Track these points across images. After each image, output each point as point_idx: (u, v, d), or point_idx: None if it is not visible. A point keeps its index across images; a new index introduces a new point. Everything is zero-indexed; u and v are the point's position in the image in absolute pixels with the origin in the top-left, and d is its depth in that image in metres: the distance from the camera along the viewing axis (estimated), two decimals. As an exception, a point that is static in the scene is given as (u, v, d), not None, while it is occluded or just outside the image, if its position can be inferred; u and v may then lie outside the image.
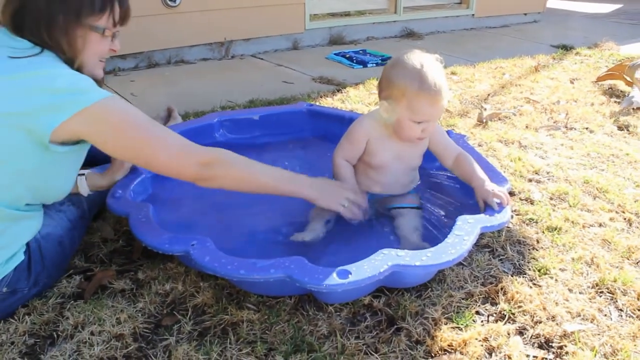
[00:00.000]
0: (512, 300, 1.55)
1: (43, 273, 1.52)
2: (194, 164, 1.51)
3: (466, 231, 1.53)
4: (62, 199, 1.67)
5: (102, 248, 1.79)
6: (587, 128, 2.92)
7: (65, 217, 1.65)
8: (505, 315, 1.50)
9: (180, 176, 1.55)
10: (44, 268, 1.53)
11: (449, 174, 2.09)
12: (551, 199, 2.13)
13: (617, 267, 1.72)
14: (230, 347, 1.37)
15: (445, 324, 1.46)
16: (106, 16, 1.55)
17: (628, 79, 3.59)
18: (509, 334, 1.43)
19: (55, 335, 1.42)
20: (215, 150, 1.57)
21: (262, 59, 4.57)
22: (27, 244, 1.49)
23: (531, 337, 1.43)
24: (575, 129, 2.91)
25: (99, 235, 1.84)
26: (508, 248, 1.79)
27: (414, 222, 1.81)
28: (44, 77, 1.37)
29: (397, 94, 1.70)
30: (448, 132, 2.19)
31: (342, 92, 3.47)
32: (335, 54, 4.58)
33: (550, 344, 1.41)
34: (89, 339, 1.40)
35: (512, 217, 1.96)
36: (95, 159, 2.10)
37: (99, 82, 1.69)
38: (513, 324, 1.47)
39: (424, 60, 1.69)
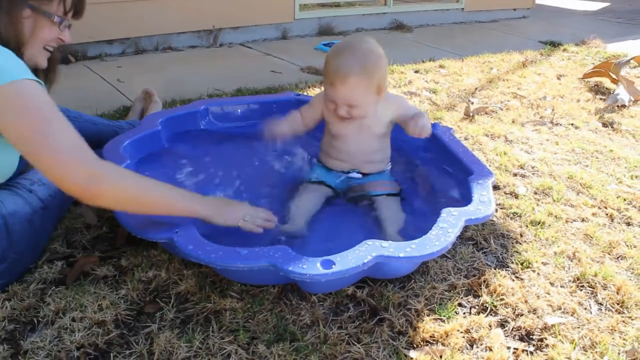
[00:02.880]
0: (495, 292, 1.56)
1: (10, 250, 1.50)
2: (81, 175, 1.32)
3: (450, 223, 1.54)
4: (33, 178, 1.66)
5: (85, 234, 1.77)
6: (572, 124, 2.94)
7: (35, 197, 1.62)
8: (487, 308, 1.51)
9: (63, 184, 1.34)
10: (11, 244, 1.50)
11: (432, 165, 2.10)
12: (535, 193, 2.14)
13: (598, 261, 1.74)
14: (212, 335, 1.37)
15: (428, 315, 1.47)
16: (56, 2, 1.52)
17: (614, 76, 3.62)
18: (490, 326, 1.44)
19: (36, 321, 1.41)
20: (106, 163, 1.43)
21: (250, 47, 4.54)
22: None
23: (512, 329, 1.44)
24: (560, 124, 2.93)
25: (82, 221, 1.82)
26: (492, 241, 1.80)
27: (394, 211, 1.82)
28: None
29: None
30: (434, 125, 2.20)
31: (330, 83, 3.45)
32: (324, 44, 4.56)
33: (531, 336, 1.42)
34: (70, 325, 1.39)
35: (496, 210, 1.97)
36: None
37: (40, 72, 1.62)
38: (495, 316, 1.48)
39: (350, 44, 1.79)
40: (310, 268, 1.33)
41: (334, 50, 1.79)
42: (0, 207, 1.51)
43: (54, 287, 1.52)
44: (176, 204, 1.53)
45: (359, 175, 1.93)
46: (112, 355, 1.31)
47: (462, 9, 6.05)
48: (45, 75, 1.67)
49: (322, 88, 3.25)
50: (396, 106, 1.91)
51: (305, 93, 3.14)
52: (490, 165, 2.33)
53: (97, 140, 2.13)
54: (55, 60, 1.68)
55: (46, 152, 1.31)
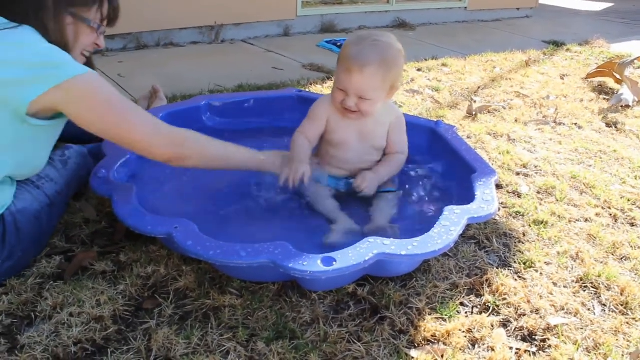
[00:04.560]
0: (497, 292, 1.55)
1: (18, 247, 1.49)
2: (168, 144, 1.54)
3: (453, 222, 1.52)
4: (40, 174, 1.65)
5: (84, 229, 1.76)
6: (575, 124, 2.92)
7: (43, 193, 1.62)
8: (490, 307, 1.49)
9: (154, 154, 1.56)
10: (19, 242, 1.50)
11: (435, 163, 2.09)
12: (538, 192, 2.13)
13: (602, 262, 1.72)
14: (211, 332, 1.35)
15: (429, 314, 1.45)
16: (95, 10, 1.59)
17: (617, 76, 3.60)
18: (492, 326, 1.42)
19: (33, 316, 1.39)
20: (186, 131, 1.60)
21: (252, 44, 4.52)
22: (2, 217, 1.46)
23: (515, 329, 1.43)
24: (564, 124, 2.91)
25: (81, 216, 1.81)
26: (494, 240, 1.78)
27: (390, 206, 1.81)
28: (19, 48, 1.37)
29: (338, 55, 1.80)
30: (437, 123, 2.18)
31: (331, 80, 3.43)
32: (326, 41, 4.54)
33: (533, 336, 1.41)
34: (67, 320, 1.37)
35: (499, 209, 1.95)
36: (74, 137, 2.07)
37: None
38: (497, 316, 1.47)
39: (372, 35, 1.77)
40: (311, 265, 1.31)
41: (354, 39, 1.77)
42: (11, 205, 1.50)
43: (52, 282, 1.51)
44: (249, 162, 1.76)
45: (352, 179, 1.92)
46: (109, 351, 1.30)
47: (465, 7, 6.03)
48: None
49: (324, 88, 3.25)
50: (394, 118, 1.91)
51: (307, 90, 3.12)
52: (492, 164, 2.31)
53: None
54: (91, 65, 1.72)
55: (134, 130, 1.49)
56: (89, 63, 1.70)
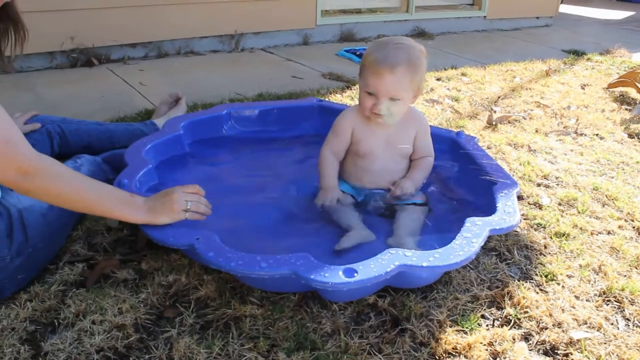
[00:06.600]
0: (518, 305, 1.53)
1: (26, 244, 1.50)
2: (12, 170, 1.30)
3: (474, 233, 1.51)
4: None
5: (106, 237, 1.77)
6: (597, 134, 2.90)
7: None
8: (511, 320, 1.48)
9: None
10: (27, 239, 1.50)
11: (456, 174, 2.08)
12: (560, 204, 2.11)
13: (625, 275, 1.70)
14: (232, 342, 1.36)
15: (450, 326, 1.44)
16: None
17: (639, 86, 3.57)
18: (514, 339, 1.41)
19: (57, 323, 1.41)
20: (41, 161, 1.36)
21: (272, 53, 4.55)
22: (8, 213, 1.47)
23: (537, 343, 1.41)
24: (585, 134, 2.89)
25: (103, 224, 1.83)
26: (515, 252, 1.77)
27: (413, 218, 1.80)
28: None
29: (361, 64, 1.81)
30: (458, 134, 2.18)
31: (351, 89, 3.45)
32: (345, 50, 4.56)
33: (555, 350, 1.39)
34: (90, 327, 1.39)
35: (520, 221, 1.93)
36: (91, 148, 2.10)
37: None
38: (519, 329, 1.45)
39: (394, 39, 1.79)
40: (332, 276, 1.31)
41: (375, 45, 1.78)
42: (16, 201, 1.52)
43: (74, 289, 1.53)
44: (112, 208, 1.50)
45: (382, 191, 1.92)
46: (131, 359, 1.31)
47: (485, 17, 6.00)
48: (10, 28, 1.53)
49: (343, 97, 3.26)
50: (419, 124, 1.92)
51: (326, 99, 3.13)
52: (513, 175, 2.29)
53: (108, 140, 2.15)
54: (17, 19, 1.51)
55: None
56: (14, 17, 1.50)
